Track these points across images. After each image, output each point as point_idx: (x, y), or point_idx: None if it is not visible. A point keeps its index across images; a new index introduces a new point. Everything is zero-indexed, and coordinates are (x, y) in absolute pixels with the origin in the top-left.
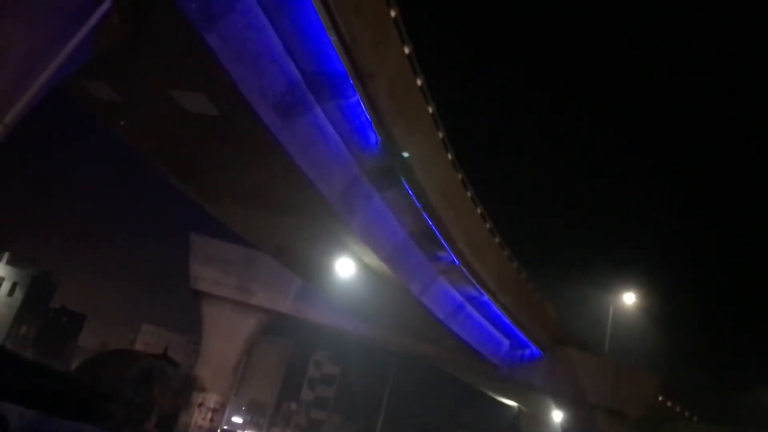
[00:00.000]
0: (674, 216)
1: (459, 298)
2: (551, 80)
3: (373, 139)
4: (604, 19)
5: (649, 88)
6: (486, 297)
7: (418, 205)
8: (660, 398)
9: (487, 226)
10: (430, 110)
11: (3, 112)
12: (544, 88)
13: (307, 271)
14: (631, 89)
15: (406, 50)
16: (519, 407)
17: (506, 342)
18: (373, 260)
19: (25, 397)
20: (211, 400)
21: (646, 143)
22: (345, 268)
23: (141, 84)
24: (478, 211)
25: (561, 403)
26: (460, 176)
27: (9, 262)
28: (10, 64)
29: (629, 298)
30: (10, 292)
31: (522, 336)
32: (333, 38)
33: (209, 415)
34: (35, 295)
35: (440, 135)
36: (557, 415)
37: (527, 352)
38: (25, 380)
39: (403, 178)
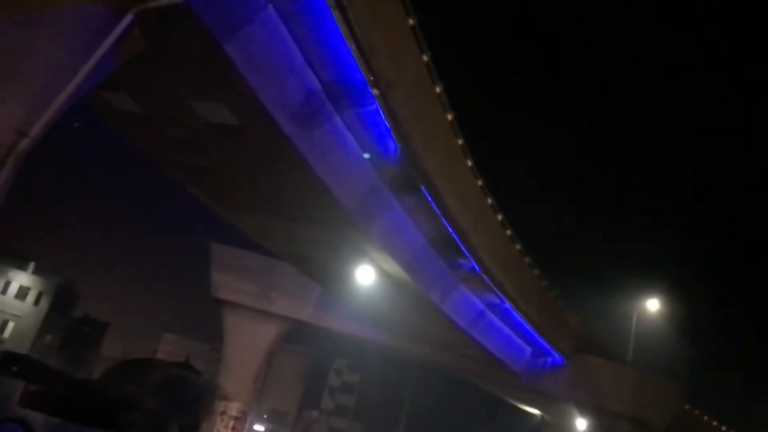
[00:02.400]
0: (698, 221)
1: (480, 305)
2: (572, 84)
3: (392, 147)
4: (629, 21)
5: (672, 91)
6: (507, 304)
7: (438, 212)
8: (686, 407)
9: (508, 233)
10: (449, 117)
11: (29, 125)
12: (565, 93)
13: (327, 279)
14: (653, 93)
15: (425, 58)
16: (542, 416)
17: (528, 350)
18: (392, 268)
19: (49, 405)
20: (233, 408)
21: (671, 146)
22: (365, 276)
23: (162, 95)
24: (499, 218)
25: (584, 412)
26: (479, 183)
27: (34, 272)
28: (35, 79)
29: (653, 305)
30: (36, 302)
31: (544, 343)
32: (352, 47)
33: (231, 424)
34: (60, 305)
35: (459, 142)
36: (581, 424)
37: (549, 360)
38: (50, 389)
39: (422, 186)
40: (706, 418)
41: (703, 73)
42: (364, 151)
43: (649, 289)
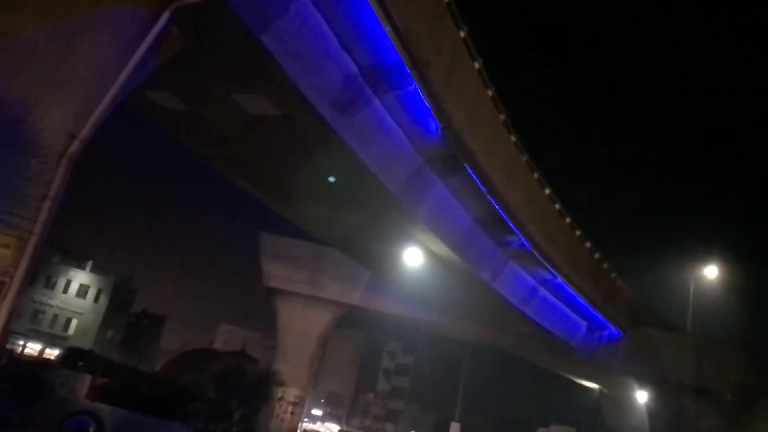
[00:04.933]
0: (753, 181)
1: (531, 282)
2: (621, 48)
3: (433, 127)
4: None
5: (724, 56)
6: (560, 279)
7: (484, 190)
8: (752, 375)
9: (557, 206)
10: (490, 93)
11: (78, 128)
12: (614, 58)
13: (376, 262)
14: (711, 54)
15: (462, 34)
16: (600, 389)
17: (583, 324)
18: (440, 249)
19: (115, 398)
20: (291, 393)
21: (726, 109)
22: (413, 258)
23: (203, 91)
24: (546, 192)
25: (644, 384)
26: (525, 158)
27: (92, 270)
28: (81, 83)
29: (711, 272)
30: (96, 299)
31: (599, 317)
32: (387, 29)
33: (290, 409)
34: (118, 301)
35: (502, 117)
36: (641, 396)
37: (606, 333)
38: (115, 382)
39: (466, 164)
40: None
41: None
42: (405, 133)
43: (706, 256)
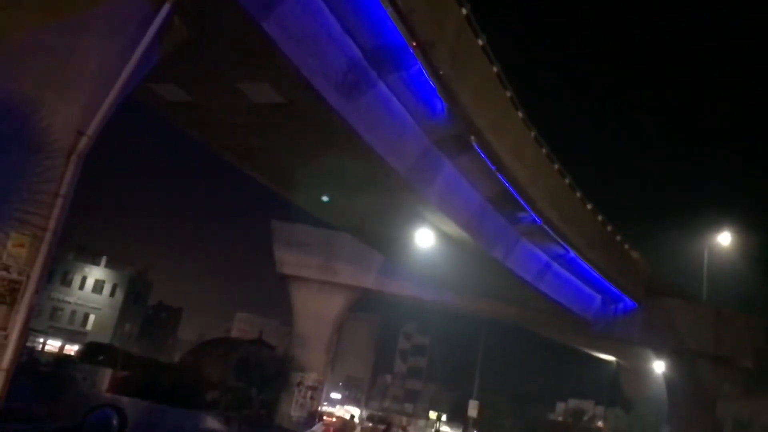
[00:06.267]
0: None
1: (544, 257)
2: (622, 22)
3: (439, 106)
4: None
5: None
6: (572, 254)
7: (493, 167)
8: None
9: (567, 181)
10: (495, 70)
11: (86, 124)
12: (621, 27)
13: (388, 245)
14: (720, 18)
15: (464, 11)
16: (617, 362)
17: (598, 297)
18: (452, 228)
19: (136, 390)
20: (309, 378)
21: (736, 74)
22: (424, 239)
23: (208, 81)
24: (556, 167)
25: (661, 355)
26: (533, 134)
27: (107, 266)
28: (86, 79)
29: (725, 239)
30: (112, 293)
31: (614, 289)
32: (389, 10)
33: (309, 393)
34: (134, 294)
35: (508, 94)
36: (658, 366)
37: (621, 305)
38: (135, 374)
39: (474, 143)
40: None
41: None
42: (411, 114)
43: (719, 224)
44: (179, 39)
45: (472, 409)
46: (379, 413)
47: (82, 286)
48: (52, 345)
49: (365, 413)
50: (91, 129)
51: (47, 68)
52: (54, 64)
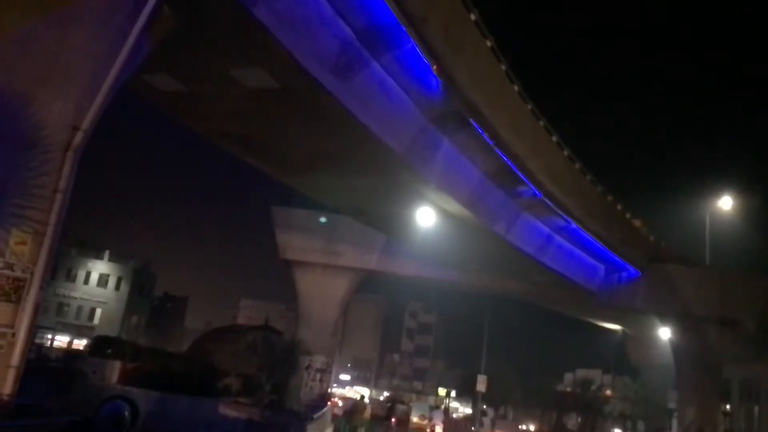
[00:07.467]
0: (759, 105)
1: (546, 230)
2: None
3: (434, 83)
4: None
5: None
6: (574, 225)
7: (491, 142)
8: None
9: (565, 153)
10: (489, 44)
11: (80, 119)
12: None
13: (389, 226)
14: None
15: None
16: (623, 330)
17: (601, 267)
18: (452, 206)
19: (146, 380)
20: (317, 361)
21: (735, 35)
22: (426, 218)
23: (201, 69)
24: (554, 139)
25: (667, 321)
26: (529, 107)
27: (110, 259)
28: (78, 73)
29: (726, 203)
30: (117, 287)
31: (617, 259)
32: None
33: (318, 376)
34: (139, 286)
35: (503, 67)
36: (664, 333)
37: (624, 274)
38: (145, 365)
39: (471, 118)
40: None
41: None
42: (407, 93)
43: (719, 187)
44: (169, 27)
45: (481, 384)
46: (393, 394)
47: (86, 281)
48: (61, 341)
49: (375, 393)
50: (86, 123)
51: (38, 63)
52: (44, 59)
